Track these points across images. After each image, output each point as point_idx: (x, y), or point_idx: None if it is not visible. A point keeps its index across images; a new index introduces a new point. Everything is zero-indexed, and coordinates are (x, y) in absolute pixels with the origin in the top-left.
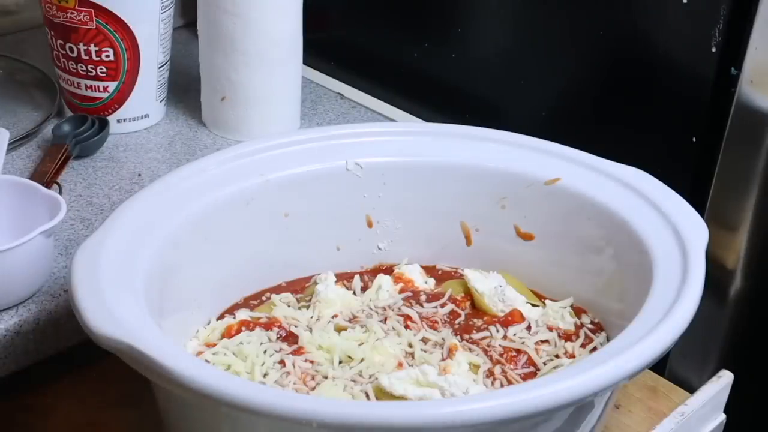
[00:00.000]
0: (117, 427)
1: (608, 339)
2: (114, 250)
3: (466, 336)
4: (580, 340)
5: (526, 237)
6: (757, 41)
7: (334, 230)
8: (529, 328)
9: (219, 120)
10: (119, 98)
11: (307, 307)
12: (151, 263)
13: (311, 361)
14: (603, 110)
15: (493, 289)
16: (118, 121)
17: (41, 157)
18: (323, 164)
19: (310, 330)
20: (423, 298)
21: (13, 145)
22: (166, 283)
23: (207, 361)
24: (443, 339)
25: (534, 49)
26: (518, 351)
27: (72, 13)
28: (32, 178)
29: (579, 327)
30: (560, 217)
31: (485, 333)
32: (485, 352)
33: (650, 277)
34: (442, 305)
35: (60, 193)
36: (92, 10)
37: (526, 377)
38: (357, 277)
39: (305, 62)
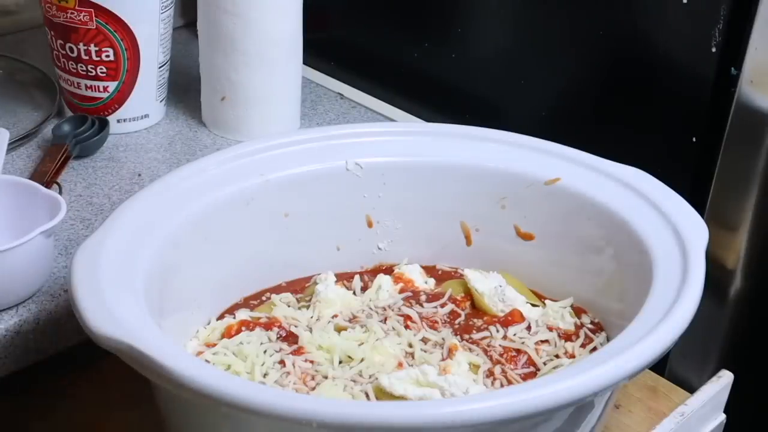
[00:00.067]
0: (117, 427)
1: (608, 339)
2: (114, 250)
3: (466, 336)
4: (580, 340)
5: (526, 237)
6: (757, 41)
7: (334, 230)
8: (529, 328)
9: (219, 120)
10: (119, 98)
11: (307, 307)
12: (151, 263)
13: (311, 361)
14: (603, 110)
15: (493, 289)
16: (118, 121)
17: (41, 157)
18: (323, 164)
19: (310, 330)
20: (423, 298)
21: (13, 145)
22: (166, 283)
23: (207, 361)
24: (443, 339)
25: (534, 49)
26: (518, 351)
27: (72, 13)
28: (32, 178)
29: (579, 327)
30: (560, 217)
31: (485, 333)
32: (485, 352)
33: (650, 277)
34: (442, 305)
35: (60, 193)
36: (92, 10)
37: (526, 377)
38: (357, 277)
39: (305, 62)
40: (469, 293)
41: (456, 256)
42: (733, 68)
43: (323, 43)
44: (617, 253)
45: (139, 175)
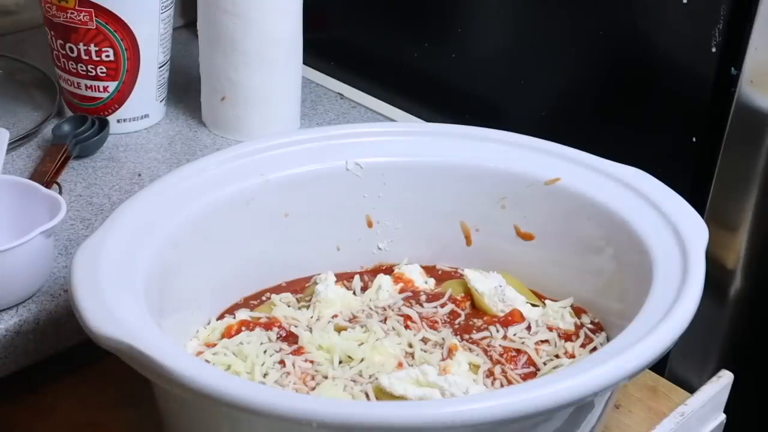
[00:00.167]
0: (117, 427)
1: (608, 339)
2: (114, 250)
3: (466, 336)
4: (580, 340)
5: (526, 237)
6: (757, 41)
7: (334, 230)
8: (529, 328)
9: (219, 120)
10: (119, 98)
11: (307, 307)
12: (151, 263)
13: (311, 361)
14: (603, 110)
15: (493, 289)
16: (118, 121)
17: (41, 157)
18: (323, 164)
19: (310, 330)
20: (423, 298)
21: (13, 145)
22: (166, 283)
23: (207, 361)
24: (443, 339)
25: (534, 49)
26: (518, 351)
27: (72, 13)
28: (32, 178)
29: (579, 327)
30: (560, 217)
31: (485, 333)
32: (485, 352)
33: (650, 277)
34: (442, 305)
35: (60, 193)
36: (92, 10)
37: (526, 377)
38: (357, 277)
39: (305, 62)
40: (469, 293)
41: (456, 256)
42: (733, 68)
43: (323, 43)
44: (617, 253)
45: (139, 175)
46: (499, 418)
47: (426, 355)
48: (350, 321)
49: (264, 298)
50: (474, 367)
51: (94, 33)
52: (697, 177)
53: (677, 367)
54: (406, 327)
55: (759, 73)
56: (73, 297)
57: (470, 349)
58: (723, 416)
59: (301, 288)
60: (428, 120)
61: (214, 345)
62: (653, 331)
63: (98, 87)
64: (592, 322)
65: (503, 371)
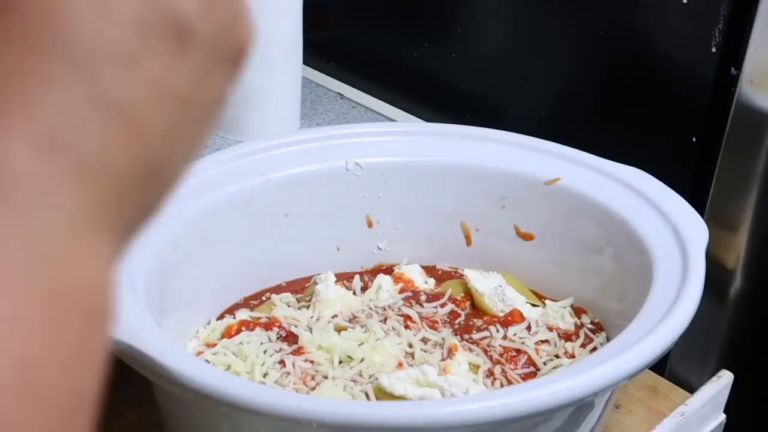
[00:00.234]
0: (117, 427)
1: (608, 339)
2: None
3: (466, 336)
4: (580, 340)
5: (526, 237)
6: (757, 41)
7: (334, 230)
8: (529, 328)
9: (219, 120)
10: None
11: (307, 307)
12: (151, 263)
13: (311, 361)
14: (603, 110)
15: (493, 289)
16: None
17: None
18: (323, 164)
19: (310, 330)
20: (423, 298)
21: None
22: (166, 283)
23: (207, 361)
24: (443, 339)
25: (534, 49)
26: (518, 351)
27: None
28: None
29: (579, 327)
30: (560, 217)
31: (485, 333)
32: (485, 352)
33: (650, 277)
34: (442, 305)
35: None
36: None
37: (526, 377)
38: (357, 277)
39: (305, 62)
40: (469, 293)
41: (456, 256)
42: (733, 68)
43: (323, 43)
44: (617, 253)
45: None
46: (499, 418)
47: (426, 355)
48: (350, 321)
49: (264, 298)
50: (474, 367)
51: None
52: (697, 177)
53: (677, 367)
54: (406, 327)
55: (759, 73)
56: None
57: (470, 349)
58: (723, 416)
59: (301, 288)
60: (428, 120)
61: (214, 345)
62: (653, 331)
63: None
64: (592, 322)
65: (503, 371)
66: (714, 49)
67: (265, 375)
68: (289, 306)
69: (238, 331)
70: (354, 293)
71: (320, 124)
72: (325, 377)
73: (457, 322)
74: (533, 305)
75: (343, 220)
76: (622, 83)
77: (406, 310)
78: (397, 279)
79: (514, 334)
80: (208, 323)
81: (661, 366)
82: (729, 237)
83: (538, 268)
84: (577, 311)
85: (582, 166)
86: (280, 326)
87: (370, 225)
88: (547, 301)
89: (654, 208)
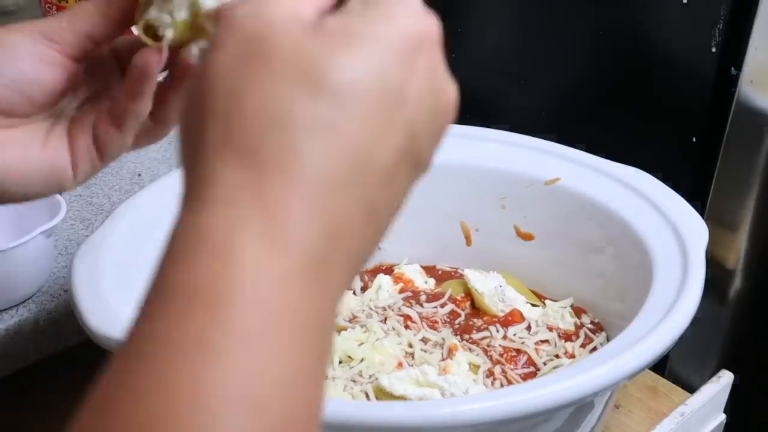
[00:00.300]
0: None
1: (608, 339)
2: (114, 250)
3: (466, 336)
4: (580, 340)
5: (526, 237)
6: (757, 41)
7: None
8: (529, 328)
9: None
10: None
11: None
12: (151, 263)
13: None
14: (603, 110)
15: (493, 289)
16: None
17: None
18: None
19: None
20: (423, 298)
21: None
22: None
23: None
24: (443, 339)
25: (534, 50)
26: (518, 351)
27: None
28: None
29: (579, 327)
30: (560, 217)
31: (485, 333)
32: (485, 352)
33: (650, 277)
34: (442, 305)
35: (60, 193)
36: None
37: (526, 377)
38: (357, 277)
39: None
40: (469, 293)
41: (456, 256)
42: (733, 68)
43: None
44: (617, 253)
45: (139, 175)
46: (499, 419)
47: (426, 355)
48: (350, 321)
49: None
50: (474, 367)
51: None
52: (697, 177)
53: (677, 367)
54: (406, 327)
55: (759, 73)
56: (73, 297)
57: (470, 349)
58: (723, 416)
59: None
60: None
61: None
62: (653, 331)
63: None
64: (592, 322)
65: (503, 371)
66: (714, 49)
67: None
68: None
69: None
70: (354, 293)
71: None
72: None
73: (457, 322)
74: (533, 305)
75: None
76: (623, 83)
77: (406, 310)
78: (397, 279)
79: (514, 334)
80: None
81: (661, 366)
82: (729, 237)
83: (538, 268)
84: (577, 311)
85: (582, 166)
86: None
87: None
88: (547, 301)
89: (654, 208)
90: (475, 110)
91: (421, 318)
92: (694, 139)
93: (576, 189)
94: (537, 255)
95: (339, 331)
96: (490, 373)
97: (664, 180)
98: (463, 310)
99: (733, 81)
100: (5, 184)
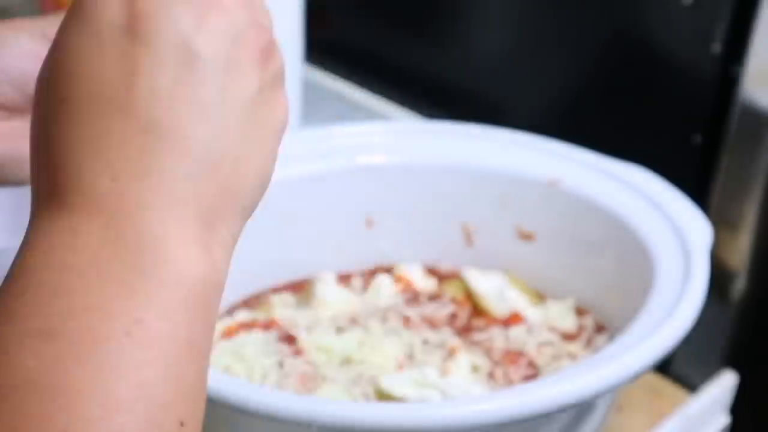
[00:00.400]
0: None
1: (610, 340)
2: None
3: (467, 337)
4: (582, 341)
5: (527, 237)
6: (760, 40)
7: (334, 230)
8: (530, 329)
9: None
10: None
11: (307, 307)
12: None
13: (311, 363)
14: (604, 110)
15: (493, 289)
16: None
17: None
18: (324, 164)
19: (310, 331)
20: (423, 298)
21: None
22: None
23: None
24: (444, 340)
25: (534, 49)
26: (519, 352)
27: None
28: None
29: (581, 328)
30: (561, 217)
31: (486, 334)
32: (486, 353)
33: (653, 277)
34: (443, 306)
35: None
36: None
37: (527, 379)
38: (357, 277)
39: (306, 62)
40: (469, 294)
41: (456, 256)
42: (735, 68)
43: (323, 43)
44: (619, 253)
45: None
46: (500, 421)
47: (426, 356)
48: (350, 322)
49: (263, 299)
50: (475, 369)
51: None
52: (700, 176)
53: (680, 368)
54: (406, 328)
55: (762, 73)
56: None
57: (471, 351)
58: (727, 418)
59: (300, 288)
60: (428, 119)
61: (213, 346)
62: (656, 332)
63: None
64: (593, 323)
65: (504, 373)
66: (716, 49)
67: (264, 377)
68: (288, 306)
69: (237, 332)
70: (354, 293)
71: (320, 124)
72: (325, 379)
73: (457, 323)
74: (534, 306)
75: (343, 220)
76: (625, 82)
77: (407, 311)
78: (397, 279)
79: (516, 336)
80: None
81: (663, 366)
82: (732, 237)
83: (540, 268)
84: (579, 312)
85: (584, 166)
86: (279, 327)
87: (370, 225)
88: (548, 302)
89: (656, 207)
90: (476, 109)
91: (422, 319)
92: (696, 139)
93: (578, 188)
94: (538, 255)
95: (339, 332)
96: (491, 375)
97: (667, 179)
98: (463, 310)
99: (736, 80)
100: (4, 170)
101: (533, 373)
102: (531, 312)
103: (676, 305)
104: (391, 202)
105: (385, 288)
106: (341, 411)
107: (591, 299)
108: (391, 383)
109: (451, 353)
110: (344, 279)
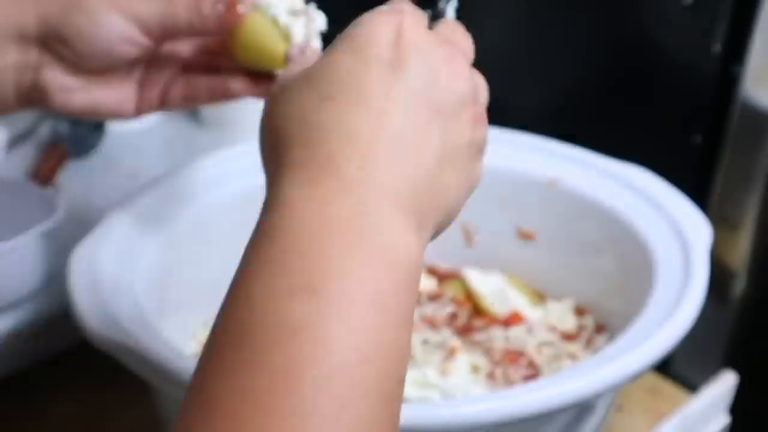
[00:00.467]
0: (116, 427)
1: (610, 340)
2: (113, 250)
3: (467, 337)
4: (582, 341)
5: (527, 237)
6: (760, 40)
7: None
8: (530, 329)
9: (219, 120)
10: None
11: None
12: (149, 264)
13: None
14: (604, 110)
15: (494, 289)
16: None
17: (38, 157)
18: None
19: None
20: (423, 298)
21: (10, 144)
22: (165, 284)
23: None
24: (444, 340)
25: (535, 49)
26: (519, 352)
27: None
28: (29, 177)
29: (581, 328)
30: (561, 217)
31: (486, 334)
32: (486, 353)
33: (652, 277)
34: (443, 306)
35: (57, 193)
36: None
37: (527, 379)
38: None
39: None
40: (469, 294)
41: (456, 256)
42: (735, 67)
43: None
44: (619, 253)
45: (138, 175)
46: (500, 420)
47: (426, 356)
48: None
49: None
50: (475, 369)
51: None
52: (699, 176)
53: (680, 368)
54: None
55: (762, 72)
56: (70, 298)
57: (471, 351)
58: (727, 418)
59: None
60: None
61: None
62: (656, 332)
63: None
64: (593, 323)
65: (504, 373)
66: (716, 48)
67: None
68: None
69: None
70: None
71: None
72: None
73: (457, 323)
74: (534, 306)
75: None
76: (624, 82)
77: None
78: None
79: (516, 336)
80: (207, 324)
81: (663, 367)
82: (732, 236)
83: (539, 268)
84: (579, 312)
85: (584, 166)
86: None
87: None
88: (548, 302)
89: (656, 207)
90: None
91: (422, 319)
92: (696, 139)
93: (578, 188)
94: (538, 255)
95: None
96: (491, 375)
97: (667, 179)
98: (463, 310)
99: (736, 80)
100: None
101: (533, 373)
102: (531, 312)
103: (676, 305)
104: None
105: None
106: None
107: (591, 299)
108: None
109: (451, 353)
110: None
